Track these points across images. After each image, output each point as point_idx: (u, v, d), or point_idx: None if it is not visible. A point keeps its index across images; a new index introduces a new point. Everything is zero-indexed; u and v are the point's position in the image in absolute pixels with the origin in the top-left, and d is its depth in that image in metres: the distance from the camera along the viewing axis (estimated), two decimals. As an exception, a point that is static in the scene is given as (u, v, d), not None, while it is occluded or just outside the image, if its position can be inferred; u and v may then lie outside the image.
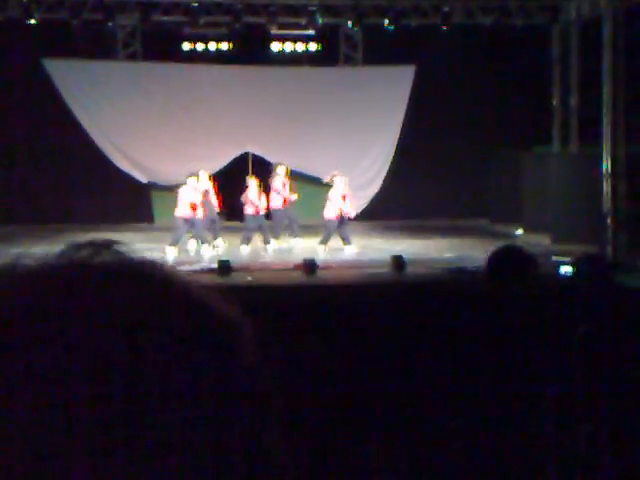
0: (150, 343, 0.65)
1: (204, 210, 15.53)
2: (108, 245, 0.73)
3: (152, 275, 0.71)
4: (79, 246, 0.72)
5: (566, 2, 18.88)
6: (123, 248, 0.73)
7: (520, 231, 18.43)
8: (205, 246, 15.55)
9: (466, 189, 20.52)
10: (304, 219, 17.20)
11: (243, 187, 16.37)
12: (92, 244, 0.72)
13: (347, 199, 16.02)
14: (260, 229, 16.10)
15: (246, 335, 0.71)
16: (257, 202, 16.04)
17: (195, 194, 15.41)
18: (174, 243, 15.17)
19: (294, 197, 16.55)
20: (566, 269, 10.89)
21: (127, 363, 0.64)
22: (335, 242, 16.39)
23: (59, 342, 0.64)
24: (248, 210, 15.97)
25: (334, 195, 15.87)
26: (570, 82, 19.10)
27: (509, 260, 4.26)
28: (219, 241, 16.16)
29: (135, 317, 0.66)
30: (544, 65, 19.72)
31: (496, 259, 4.29)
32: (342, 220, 15.88)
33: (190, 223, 15.30)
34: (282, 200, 16.45)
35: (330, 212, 15.74)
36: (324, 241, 15.86)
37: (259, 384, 0.70)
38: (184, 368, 0.65)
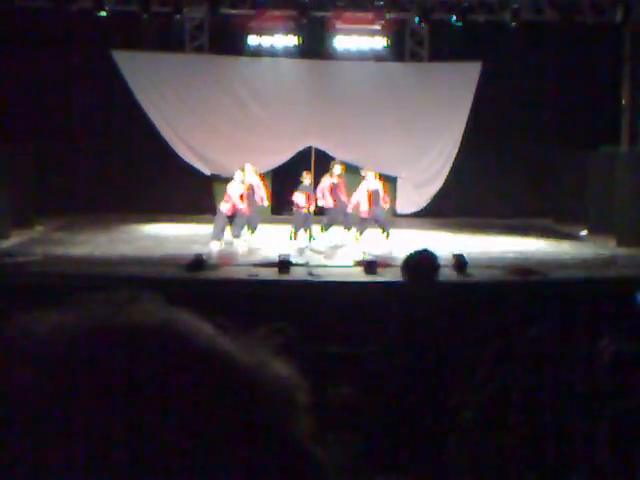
0: (185, 412, 0.63)
1: (247, 205, 15.56)
2: (135, 300, 0.70)
3: (189, 339, 0.67)
4: (104, 300, 0.70)
5: (638, -1, 18.48)
6: (153, 303, 0.70)
7: (585, 232, 18.13)
8: (237, 241, 15.64)
9: (530, 188, 20.26)
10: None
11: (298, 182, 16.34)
12: (117, 298, 0.70)
13: (374, 196, 15.94)
14: (305, 225, 15.97)
15: (298, 401, 0.67)
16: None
17: (241, 188, 15.51)
18: (217, 237, 15.29)
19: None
20: None
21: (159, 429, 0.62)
22: (398, 239, 16.34)
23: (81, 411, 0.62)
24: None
25: (359, 190, 15.92)
26: (640, 81, 18.72)
27: (421, 262, 4.75)
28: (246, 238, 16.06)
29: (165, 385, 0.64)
30: (613, 63, 19.35)
31: (410, 261, 4.85)
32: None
33: (231, 217, 15.40)
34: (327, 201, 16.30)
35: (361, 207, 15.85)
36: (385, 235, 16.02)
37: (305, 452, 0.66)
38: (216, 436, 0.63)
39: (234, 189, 15.51)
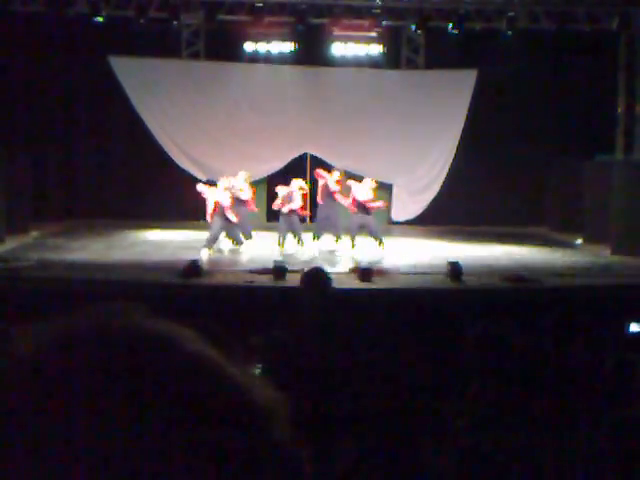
0: (170, 419, 0.64)
1: (235, 213, 15.56)
2: (122, 311, 0.72)
3: (180, 349, 0.70)
4: (90, 313, 0.72)
5: (634, 8, 18.53)
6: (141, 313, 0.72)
7: (580, 241, 18.15)
8: (238, 248, 15.77)
9: (526, 196, 20.28)
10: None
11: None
12: (104, 310, 0.72)
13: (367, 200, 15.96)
14: (292, 230, 15.99)
15: (280, 417, 0.69)
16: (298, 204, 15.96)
17: (225, 195, 15.49)
18: (208, 245, 15.31)
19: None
20: (636, 327, 8.52)
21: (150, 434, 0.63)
22: (393, 247, 16.33)
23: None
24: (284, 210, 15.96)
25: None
26: (635, 89, 18.77)
27: (316, 278, 5.81)
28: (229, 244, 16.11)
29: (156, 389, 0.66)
30: (608, 71, 19.40)
31: (307, 277, 5.88)
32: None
33: (227, 223, 15.43)
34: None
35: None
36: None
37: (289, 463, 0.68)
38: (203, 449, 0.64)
39: (219, 196, 15.51)
